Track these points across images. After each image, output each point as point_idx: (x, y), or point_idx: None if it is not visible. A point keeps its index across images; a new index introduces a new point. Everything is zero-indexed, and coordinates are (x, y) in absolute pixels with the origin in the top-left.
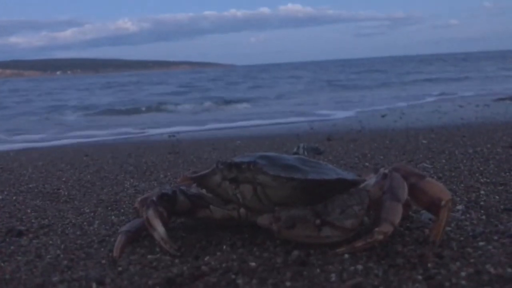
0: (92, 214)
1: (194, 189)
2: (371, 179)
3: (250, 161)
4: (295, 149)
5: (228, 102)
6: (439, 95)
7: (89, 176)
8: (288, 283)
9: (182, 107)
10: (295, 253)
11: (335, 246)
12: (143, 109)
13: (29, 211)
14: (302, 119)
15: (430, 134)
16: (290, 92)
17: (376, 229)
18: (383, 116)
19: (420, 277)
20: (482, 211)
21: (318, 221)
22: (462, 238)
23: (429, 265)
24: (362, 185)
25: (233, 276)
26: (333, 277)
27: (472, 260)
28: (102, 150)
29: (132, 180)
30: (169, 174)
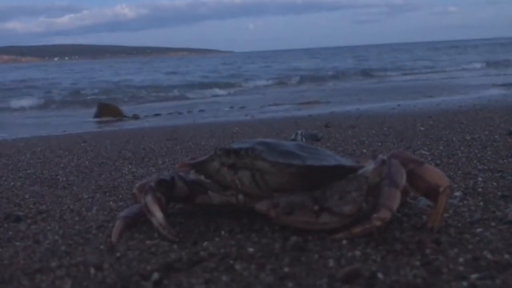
0: (90, 200)
1: (192, 175)
2: (369, 166)
3: (249, 147)
4: (293, 136)
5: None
6: None
7: (87, 162)
8: (286, 269)
9: None
10: (293, 239)
11: (333, 232)
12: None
13: (27, 196)
14: None
15: (427, 120)
16: None
17: (374, 215)
18: None
19: (418, 263)
20: (479, 198)
21: (316, 207)
22: (460, 225)
23: (427, 251)
24: (360, 171)
25: (231, 262)
26: (331, 262)
27: (470, 246)
28: (100, 136)
29: (130, 166)
30: (167, 160)
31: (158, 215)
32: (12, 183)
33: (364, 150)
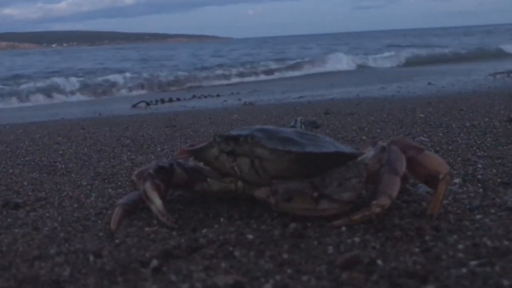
0: (89, 187)
1: (191, 162)
2: (369, 152)
3: (248, 134)
4: (292, 123)
5: None
6: None
7: (86, 149)
8: (285, 256)
9: None
10: (293, 225)
11: (332, 218)
12: None
13: (26, 183)
14: None
15: (427, 107)
16: None
17: (374, 202)
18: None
19: (417, 249)
20: (479, 185)
21: (315, 194)
22: (459, 211)
23: (426, 237)
24: (360, 158)
25: (230, 249)
26: (330, 249)
27: (469, 233)
28: (99, 123)
29: (129, 153)
30: (166, 147)
31: (157, 202)
32: (11, 170)
33: (364, 137)
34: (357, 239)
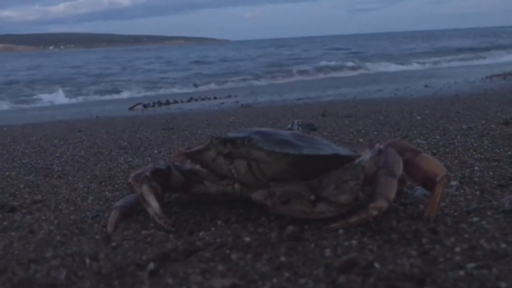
0: (85, 189)
1: (188, 165)
2: (366, 155)
3: (245, 136)
4: (289, 125)
5: None
6: None
7: (82, 152)
8: (282, 258)
9: None
10: (290, 228)
11: (329, 221)
12: None
13: (22, 186)
14: None
15: (424, 109)
16: None
17: (371, 204)
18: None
19: (414, 252)
20: (476, 187)
21: (313, 197)
22: (456, 214)
23: (423, 240)
24: (357, 161)
25: (227, 251)
26: (327, 252)
27: (466, 236)
28: (96, 126)
29: (126, 156)
30: (163, 149)
31: (154, 204)
32: (7, 173)
33: (361, 140)
34: (354, 242)
